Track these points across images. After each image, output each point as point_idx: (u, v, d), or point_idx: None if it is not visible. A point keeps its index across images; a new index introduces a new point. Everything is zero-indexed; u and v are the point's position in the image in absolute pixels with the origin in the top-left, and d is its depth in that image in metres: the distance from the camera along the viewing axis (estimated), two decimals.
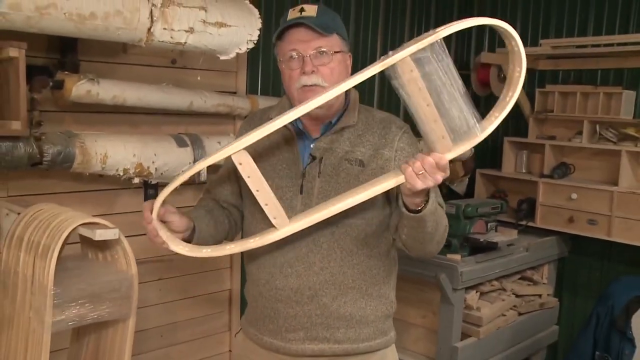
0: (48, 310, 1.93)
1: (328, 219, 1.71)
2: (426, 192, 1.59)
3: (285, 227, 1.70)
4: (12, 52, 2.14)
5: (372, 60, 4.04)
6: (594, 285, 4.12)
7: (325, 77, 1.76)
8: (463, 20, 1.53)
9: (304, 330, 1.83)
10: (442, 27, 1.45)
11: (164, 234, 1.74)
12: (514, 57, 1.62)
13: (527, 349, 4.03)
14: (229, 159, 2.00)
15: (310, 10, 1.77)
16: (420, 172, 1.51)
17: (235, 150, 1.64)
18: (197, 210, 1.93)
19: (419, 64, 1.45)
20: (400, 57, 1.47)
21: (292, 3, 3.46)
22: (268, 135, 1.89)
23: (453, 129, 1.51)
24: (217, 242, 1.93)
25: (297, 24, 1.75)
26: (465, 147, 1.54)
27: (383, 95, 4.20)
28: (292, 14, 1.78)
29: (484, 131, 1.54)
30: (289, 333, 1.84)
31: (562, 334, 4.28)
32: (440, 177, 1.52)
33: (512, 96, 1.57)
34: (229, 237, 2.02)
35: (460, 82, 1.48)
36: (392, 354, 1.97)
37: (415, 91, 1.48)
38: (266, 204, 1.68)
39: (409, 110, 1.52)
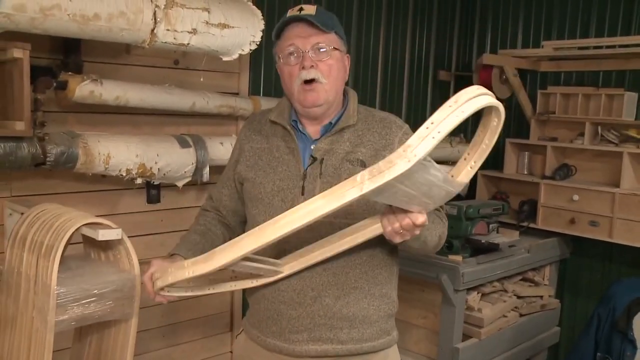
0: (51, 310, 1.93)
1: (330, 221, 1.72)
2: None
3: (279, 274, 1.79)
4: (17, 53, 2.15)
5: (374, 61, 4.07)
6: (596, 286, 4.12)
7: (323, 73, 1.78)
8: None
9: (307, 331, 1.83)
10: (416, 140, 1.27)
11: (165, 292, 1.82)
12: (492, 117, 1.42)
13: (529, 350, 4.03)
14: (229, 163, 2.02)
15: (309, 9, 1.79)
16: (400, 232, 1.57)
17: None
18: (191, 235, 1.99)
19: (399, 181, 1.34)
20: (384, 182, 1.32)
21: (295, 4, 3.46)
22: (267, 137, 1.91)
23: (432, 199, 1.51)
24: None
25: (296, 19, 1.78)
26: (442, 203, 1.54)
27: (385, 96, 4.21)
28: (291, 12, 1.81)
29: (461, 187, 1.50)
30: (293, 334, 1.84)
31: (563, 335, 4.28)
32: (418, 232, 1.57)
33: (489, 144, 1.47)
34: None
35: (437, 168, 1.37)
36: (394, 354, 1.97)
37: (393, 196, 1.44)
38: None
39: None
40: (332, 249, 1.74)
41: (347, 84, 1.93)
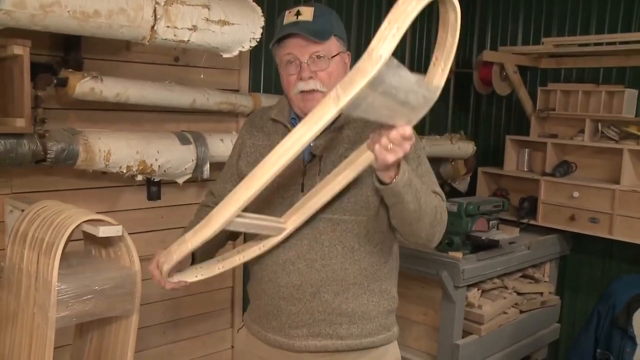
0: (52, 306, 1.94)
1: (328, 216, 1.74)
2: (397, 165, 1.55)
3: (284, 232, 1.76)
4: (17, 49, 2.15)
5: None
6: (596, 283, 4.13)
7: (323, 82, 1.76)
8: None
9: (306, 327, 1.83)
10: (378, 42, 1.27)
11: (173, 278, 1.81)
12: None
13: (529, 346, 4.04)
14: (232, 158, 2.02)
15: (307, 13, 1.76)
16: (389, 147, 1.47)
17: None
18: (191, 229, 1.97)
19: (372, 88, 1.32)
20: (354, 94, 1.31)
21: (295, 2, 3.47)
22: (268, 134, 1.91)
23: (410, 107, 1.43)
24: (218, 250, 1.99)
25: (293, 34, 1.74)
26: (424, 111, 1.46)
27: None
28: (289, 17, 1.78)
29: (437, 91, 1.45)
30: (292, 329, 1.84)
31: (563, 331, 4.29)
32: (408, 146, 1.47)
33: (452, 42, 1.45)
34: (231, 239, 2.08)
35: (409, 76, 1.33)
36: (394, 349, 1.97)
37: (371, 108, 1.39)
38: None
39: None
40: (329, 191, 1.71)
41: None
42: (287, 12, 1.80)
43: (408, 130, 1.44)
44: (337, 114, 1.32)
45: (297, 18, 1.76)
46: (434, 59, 1.46)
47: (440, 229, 1.80)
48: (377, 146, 1.48)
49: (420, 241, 1.81)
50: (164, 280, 1.78)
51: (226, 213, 1.53)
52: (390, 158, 1.48)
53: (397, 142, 1.46)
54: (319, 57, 1.75)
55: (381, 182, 1.60)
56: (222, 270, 1.84)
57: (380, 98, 1.31)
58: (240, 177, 1.95)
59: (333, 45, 1.78)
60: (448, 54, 1.45)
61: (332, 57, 1.77)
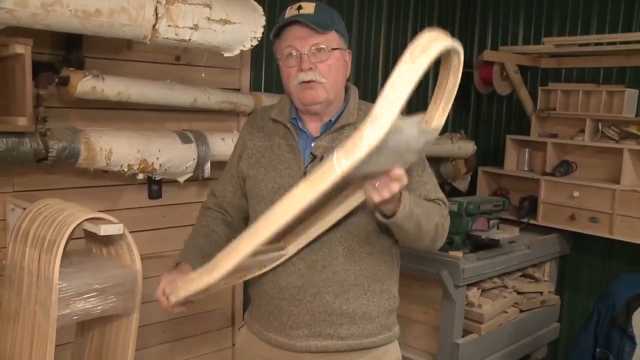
0: (53, 304, 1.94)
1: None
2: (398, 198, 1.56)
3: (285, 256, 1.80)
4: (19, 48, 2.15)
5: (376, 57, 4.07)
6: (595, 282, 4.14)
7: (323, 74, 1.77)
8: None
9: (307, 327, 1.83)
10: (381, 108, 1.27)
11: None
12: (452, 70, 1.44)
13: (529, 345, 4.05)
14: (232, 159, 2.01)
15: (308, 7, 1.77)
16: (376, 186, 1.49)
17: None
18: (195, 239, 2.00)
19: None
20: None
21: (296, 1, 3.47)
22: (269, 135, 1.91)
23: (410, 151, 1.47)
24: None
25: (294, 21, 1.76)
26: (422, 152, 1.48)
27: None
28: (290, 11, 1.79)
29: (437, 131, 1.48)
30: (293, 330, 1.85)
31: (563, 331, 4.30)
32: (396, 187, 1.47)
33: (454, 83, 1.47)
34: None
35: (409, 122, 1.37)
36: (394, 349, 1.98)
37: (373, 163, 1.40)
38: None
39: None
40: (327, 222, 1.75)
41: (348, 79, 1.92)
42: (288, 8, 1.81)
43: (397, 172, 1.45)
44: (340, 177, 1.31)
45: (298, 12, 1.77)
46: (434, 98, 1.45)
47: (441, 240, 1.84)
48: (365, 185, 1.50)
49: (421, 249, 1.85)
50: (171, 307, 1.77)
51: (229, 263, 1.53)
52: (376, 197, 1.49)
53: (385, 183, 1.47)
54: (319, 49, 1.76)
55: (383, 215, 1.63)
56: (224, 286, 1.87)
57: (382, 156, 1.33)
58: (241, 178, 1.96)
59: (333, 38, 1.79)
60: (449, 95, 1.45)
61: (332, 49, 1.77)
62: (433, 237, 1.79)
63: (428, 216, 1.73)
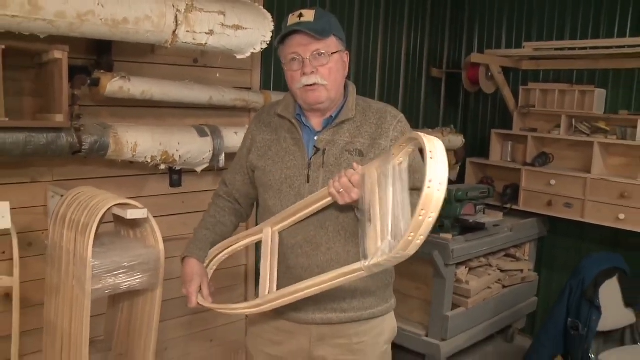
0: (88, 280, 1.97)
1: (333, 204, 1.74)
2: None
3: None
4: (57, 54, 2.17)
5: (374, 59, 4.08)
6: (569, 261, 4.14)
7: (324, 76, 1.77)
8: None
9: (313, 302, 1.83)
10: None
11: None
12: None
13: (510, 317, 4.09)
14: (241, 151, 2.01)
15: (308, 15, 1.77)
16: (340, 191, 1.61)
17: None
18: (202, 232, 2.04)
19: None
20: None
21: (303, 7, 3.47)
22: (276, 129, 1.91)
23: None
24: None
25: (296, 30, 1.75)
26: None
27: (383, 90, 4.23)
28: (292, 19, 1.78)
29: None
30: (300, 304, 1.83)
31: (540, 304, 4.33)
32: (355, 195, 1.60)
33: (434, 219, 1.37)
34: (240, 223, 2.14)
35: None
36: (390, 319, 1.99)
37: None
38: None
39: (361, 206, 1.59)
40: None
41: (348, 77, 1.92)
42: (290, 15, 1.81)
43: (355, 177, 1.58)
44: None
45: (299, 19, 1.76)
46: (410, 231, 1.36)
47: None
48: (330, 190, 1.64)
49: None
50: (196, 303, 1.94)
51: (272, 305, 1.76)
52: (339, 200, 1.63)
53: (345, 187, 1.60)
54: (320, 54, 1.76)
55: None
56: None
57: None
58: (250, 169, 1.96)
59: (333, 43, 1.78)
60: (426, 229, 1.36)
61: (331, 53, 1.77)
62: None
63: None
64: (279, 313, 1.91)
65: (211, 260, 2.06)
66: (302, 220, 1.81)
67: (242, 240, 2.03)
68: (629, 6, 3.81)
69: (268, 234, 1.87)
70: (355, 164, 1.64)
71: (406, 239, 1.35)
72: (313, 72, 1.76)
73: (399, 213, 1.42)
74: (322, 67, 1.76)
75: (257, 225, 1.96)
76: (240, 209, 2.08)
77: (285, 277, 1.86)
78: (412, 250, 1.39)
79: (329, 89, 1.79)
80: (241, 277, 3.39)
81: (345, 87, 1.91)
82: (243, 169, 2.00)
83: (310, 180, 1.82)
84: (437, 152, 1.33)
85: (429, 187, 1.29)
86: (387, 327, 1.97)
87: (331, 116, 1.86)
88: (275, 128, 1.92)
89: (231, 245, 2.04)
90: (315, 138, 1.85)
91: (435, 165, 1.30)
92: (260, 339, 2.00)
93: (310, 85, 1.77)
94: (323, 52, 1.76)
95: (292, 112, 1.89)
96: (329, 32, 1.77)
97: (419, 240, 1.35)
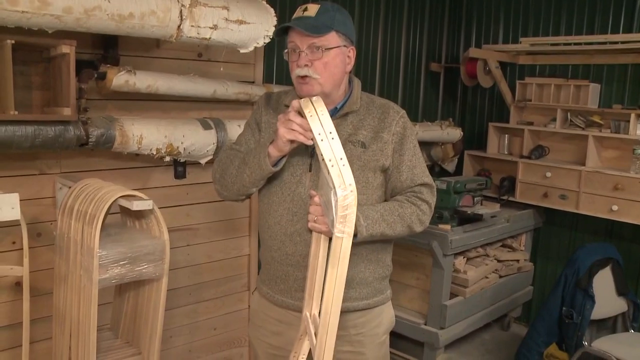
0: (95, 269, 1.98)
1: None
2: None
3: None
4: (65, 48, 2.16)
5: (374, 54, 4.07)
6: (564, 251, 4.17)
7: (317, 70, 1.75)
8: None
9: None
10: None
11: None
12: None
13: (506, 306, 4.10)
14: (251, 126, 1.97)
15: (312, 9, 1.76)
16: (315, 219, 1.69)
17: None
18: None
19: None
20: None
21: (304, 2, 3.46)
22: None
23: None
24: None
25: (295, 25, 1.75)
26: None
27: (383, 84, 4.22)
28: (298, 12, 1.79)
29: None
30: (298, 292, 1.85)
31: (535, 293, 4.35)
32: (324, 228, 1.66)
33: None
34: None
35: None
36: (388, 309, 1.99)
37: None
38: None
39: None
40: None
41: (351, 71, 1.90)
42: (299, 7, 1.80)
43: (315, 199, 1.70)
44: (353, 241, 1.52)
45: (303, 13, 1.76)
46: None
47: (420, 228, 1.88)
48: (309, 224, 1.73)
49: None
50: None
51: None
52: (322, 228, 1.68)
53: (316, 213, 1.69)
54: (316, 47, 1.75)
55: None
56: None
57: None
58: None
59: (332, 38, 1.77)
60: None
61: (328, 48, 1.76)
62: (408, 233, 1.85)
63: (395, 225, 1.80)
64: (278, 303, 1.92)
65: None
66: (301, 209, 1.81)
67: None
68: (622, 3, 3.81)
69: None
70: (311, 191, 1.73)
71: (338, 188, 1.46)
72: (307, 65, 1.75)
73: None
74: (317, 61, 1.75)
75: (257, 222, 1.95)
76: None
77: (284, 264, 1.87)
78: (346, 178, 1.46)
79: (322, 83, 1.77)
80: (244, 267, 3.39)
81: (350, 80, 1.90)
82: (256, 133, 1.96)
83: (312, 169, 1.82)
84: (313, 108, 1.49)
85: (322, 140, 1.47)
86: (385, 318, 1.98)
87: (335, 107, 1.86)
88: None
89: None
90: None
91: (314, 120, 1.48)
92: (262, 330, 2.01)
93: (302, 77, 1.76)
94: (319, 46, 1.75)
95: None
96: (328, 28, 1.75)
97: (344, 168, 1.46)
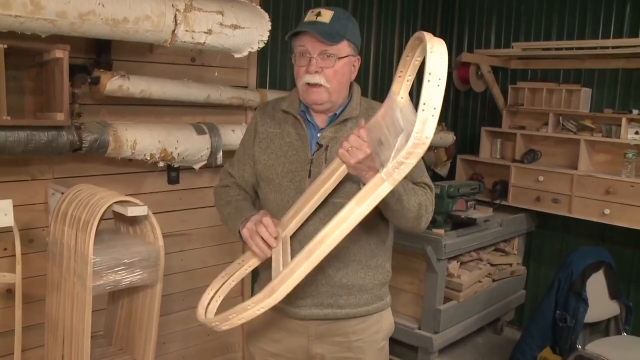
0: (89, 276, 1.96)
1: (333, 200, 1.73)
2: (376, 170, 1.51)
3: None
4: (58, 53, 2.14)
5: (367, 57, 4.07)
6: (556, 255, 4.17)
7: (327, 78, 1.74)
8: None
9: (311, 298, 1.83)
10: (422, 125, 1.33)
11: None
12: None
13: (499, 310, 4.09)
14: (247, 142, 1.95)
15: (326, 15, 1.73)
16: (348, 148, 1.53)
17: None
18: (241, 202, 1.91)
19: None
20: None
21: (297, 7, 3.46)
22: (279, 123, 1.87)
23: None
24: None
25: (309, 31, 1.71)
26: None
27: (376, 88, 4.21)
28: (310, 16, 1.75)
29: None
30: (298, 300, 1.83)
31: (528, 297, 4.34)
32: (366, 147, 1.50)
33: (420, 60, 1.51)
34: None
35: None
36: (388, 315, 1.98)
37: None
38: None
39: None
40: (319, 199, 1.76)
41: None
42: (310, 11, 1.77)
43: (362, 131, 1.52)
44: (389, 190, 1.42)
45: (316, 18, 1.73)
46: (399, 72, 1.54)
47: (425, 219, 1.78)
48: (340, 150, 1.55)
49: (409, 229, 1.80)
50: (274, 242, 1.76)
51: (288, 287, 1.57)
52: (350, 159, 1.53)
53: (355, 144, 1.51)
54: (328, 55, 1.72)
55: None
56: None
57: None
58: (254, 161, 1.91)
59: (344, 47, 1.75)
60: (414, 68, 1.52)
61: (340, 57, 1.74)
62: (416, 216, 1.73)
63: (409, 194, 1.68)
64: (278, 310, 1.88)
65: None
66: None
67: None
68: (612, 9, 3.83)
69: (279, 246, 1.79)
70: (361, 120, 1.61)
71: (416, 134, 1.32)
72: (317, 71, 1.73)
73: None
74: (328, 69, 1.73)
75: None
76: (251, 197, 2.00)
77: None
78: (429, 129, 1.32)
79: (331, 92, 1.76)
80: None
81: (351, 86, 1.89)
82: (249, 159, 1.93)
83: (312, 175, 1.80)
84: (437, 47, 1.31)
85: (429, 81, 1.30)
86: (384, 324, 1.97)
87: (335, 114, 1.85)
88: (279, 122, 1.89)
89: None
90: (318, 135, 1.83)
91: (434, 58, 1.30)
92: (260, 337, 1.98)
93: (313, 85, 1.74)
94: (331, 53, 1.73)
95: (297, 108, 1.86)
96: (341, 37, 1.73)
97: (432, 119, 1.31)
